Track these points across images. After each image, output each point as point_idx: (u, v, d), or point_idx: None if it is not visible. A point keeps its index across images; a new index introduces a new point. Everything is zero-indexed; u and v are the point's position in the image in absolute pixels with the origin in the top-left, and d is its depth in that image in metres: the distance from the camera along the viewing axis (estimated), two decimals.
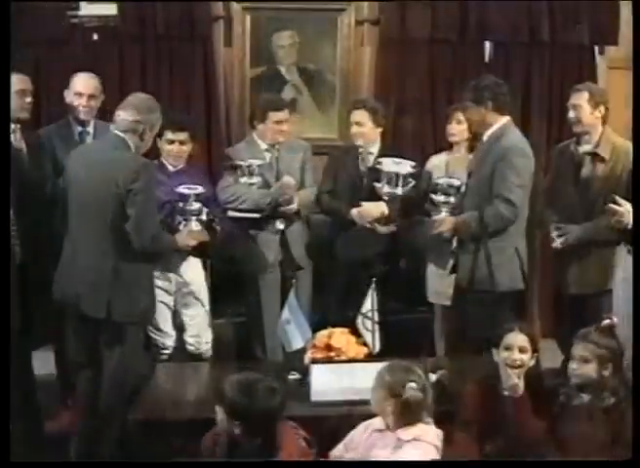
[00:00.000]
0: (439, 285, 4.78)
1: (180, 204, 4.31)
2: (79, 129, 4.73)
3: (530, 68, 5.87)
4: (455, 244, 4.52)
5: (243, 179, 4.70)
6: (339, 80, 5.87)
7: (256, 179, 4.70)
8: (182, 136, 4.57)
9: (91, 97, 4.70)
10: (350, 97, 5.80)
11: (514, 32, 5.78)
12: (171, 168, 4.62)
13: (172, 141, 4.55)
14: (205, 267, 4.74)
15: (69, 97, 4.73)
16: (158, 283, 4.44)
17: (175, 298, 4.65)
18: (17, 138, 4.45)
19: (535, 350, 3.51)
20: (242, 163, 4.71)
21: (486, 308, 4.17)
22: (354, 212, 4.82)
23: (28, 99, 4.46)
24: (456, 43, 5.81)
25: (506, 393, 3.46)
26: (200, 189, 4.34)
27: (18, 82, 4.41)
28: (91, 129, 4.75)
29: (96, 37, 5.68)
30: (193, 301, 4.67)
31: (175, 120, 4.59)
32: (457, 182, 4.42)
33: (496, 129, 4.32)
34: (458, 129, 4.84)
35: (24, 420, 4.29)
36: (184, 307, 4.67)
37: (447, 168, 4.84)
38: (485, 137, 4.37)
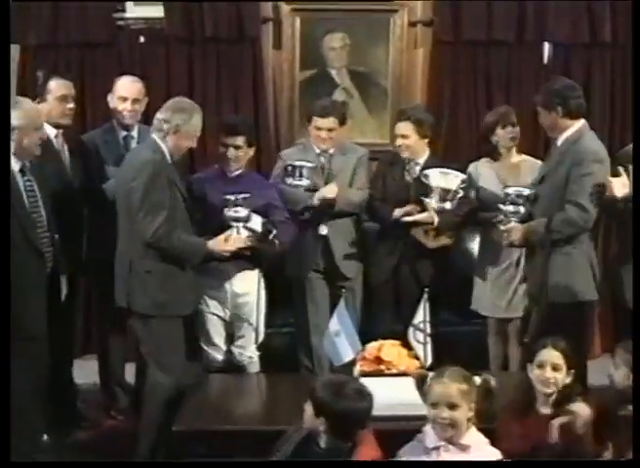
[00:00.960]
0: (495, 297, 4.74)
1: (226, 210, 4.28)
2: (123, 133, 4.75)
3: (590, 70, 5.77)
4: (516, 253, 4.50)
5: (289, 180, 4.64)
6: (390, 83, 5.83)
7: (304, 182, 4.63)
8: (238, 140, 4.51)
9: (135, 101, 4.71)
10: (402, 100, 5.77)
11: (574, 32, 5.67)
12: (228, 173, 4.58)
13: (226, 145, 4.52)
14: (263, 278, 4.62)
15: (113, 101, 4.75)
16: (211, 293, 4.48)
17: (229, 311, 4.58)
18: (59, 144, 4.49)
19: (571, 367, 3.42)
20: (292, 163, 4.67)
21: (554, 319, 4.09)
22: (397, 212, 4.74)
23: (70, 105, 4.49)
24: (513, 44, 5.74)
25: (542, 411, 3.40)
26: (245, 195, 4.28)
27: (59, 87, 4.45)
28: (135, 133, 4.76)
29: (142, 40, 5.72)
30: (246, 313, 4.59)
31: (229, 123, 4.59)
32: (526, 192, 4.34)
33: (570, 133, 4.21)
34: (515, 131, 4.76)
35: (63, 429, 4.36)
36: (237, 319, 4.61)
37: (498, 177, 4.75)
38: (559, 142, 4.26)
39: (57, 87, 4.43)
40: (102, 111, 5.13)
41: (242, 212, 4.26)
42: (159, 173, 4.02)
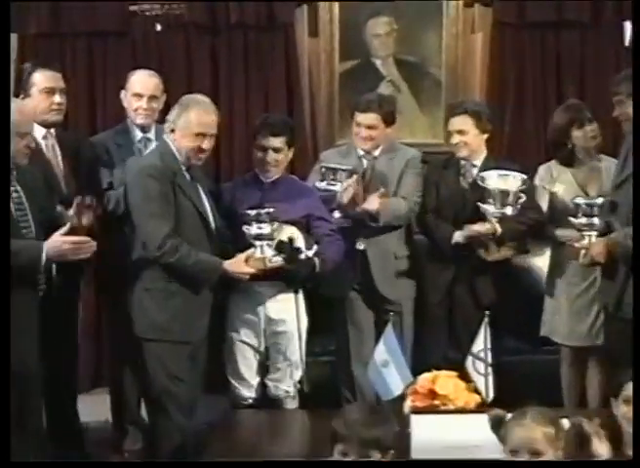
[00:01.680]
0: (573, 322, 4.69)
1: (247, 227, 4.21)
2: (139, 135, 4.74)
3: None
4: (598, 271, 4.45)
5: (321, 185, 4.63)
6: (444, 74, 5.82)
7: (338, 187, 4.61)
8: (276, 141, 4.46)
9: (151, 98, 4.69)
10: (459, 94, 5.75)
11: None
12: (264, 179, 4.54)
13: (263, 148, 4.47)
14: (303, 302, 4.58)
15: (127, 98, 4.73)
16: (243, 318, 4.46)
17: (263, 339, 4.53)
18: (48, 146, 4.44)
19: None
20: (327, 165, 4.67)
21: None
22: (459, 235, 4.73)
23: (58, 99, 4.44)
24: (588, 25, 5.70)
25: (630, 454, 3.31)
26: (269, 210, 4.20)
27: (45, 79, 4.41)
28: (152, 135, 4.74)
29: (159, 28, 5.73)
30: (283, 343, 4.53)
31: (267, 123, 4.54)
32: (600, 201, 4.28)
33: None
34: (595, 128, 4.69)
35: None
36: (272, 349, 4.55)
37: (582, 186, 4.68)
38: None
39: (41, 79, 4.40)
40: (114, 110, 5.14)
41: (266, 228, 4.18)
42: (160, 178, 4.05)
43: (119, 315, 4.33)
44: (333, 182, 4.62)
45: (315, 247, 4.38)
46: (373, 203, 4.68)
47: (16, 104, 3.81)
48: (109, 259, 4.45)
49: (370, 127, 4.72)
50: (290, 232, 4.32)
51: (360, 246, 4.79)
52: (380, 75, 5.84)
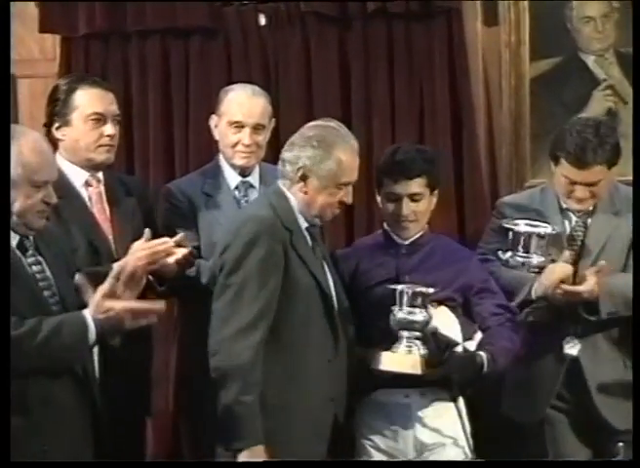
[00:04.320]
0: None
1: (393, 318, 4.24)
2: (236, 180, 4.82)
3: None
4: None
5: (506, 255, 4.58)
6: None
7: (534, 259, 4.56)
8: (414, 186, 4.43)
9: (257, 128, 4.74)
10: None
11: None
12: (399, 240, 4.54)
13: (394, 198, 4.45)
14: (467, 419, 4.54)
15: (220, 128, 4.80)
16: (382, 441, 4.42)
17: None
18: (92, 197, 4.51)
19: None
20: (513, 227, 4.60)
21: None
22: None
23: (110, 131, 4.50)
24: None
25: None
26: (423, 288, 4.22)
27: (90, 101, 4.46)
28: (255, 179, 4.83)
29: (263, 21, 5.85)
30: None
31: (395, 159, 4.51)
32: None
33: None
34: None
35: None
36: None
37: None
38: None
39: (86, 101, 4.47)
40: (201, 143, 5.42)
41: (419, 313, 4.18)
42: (271, 242, 4.07)
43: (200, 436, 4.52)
44: (524, 252, 4.56)
45: (479, 335, 4.41)
46: (588, 283, 4.57)
47: (29, 143, 3.62)
48: (192, 367, 4.52)
49: (592, 184, 4.62)
50: (439, 315, 4.34)
51: (572, 350, 4.72)
52: (594, 79, 5.80)
